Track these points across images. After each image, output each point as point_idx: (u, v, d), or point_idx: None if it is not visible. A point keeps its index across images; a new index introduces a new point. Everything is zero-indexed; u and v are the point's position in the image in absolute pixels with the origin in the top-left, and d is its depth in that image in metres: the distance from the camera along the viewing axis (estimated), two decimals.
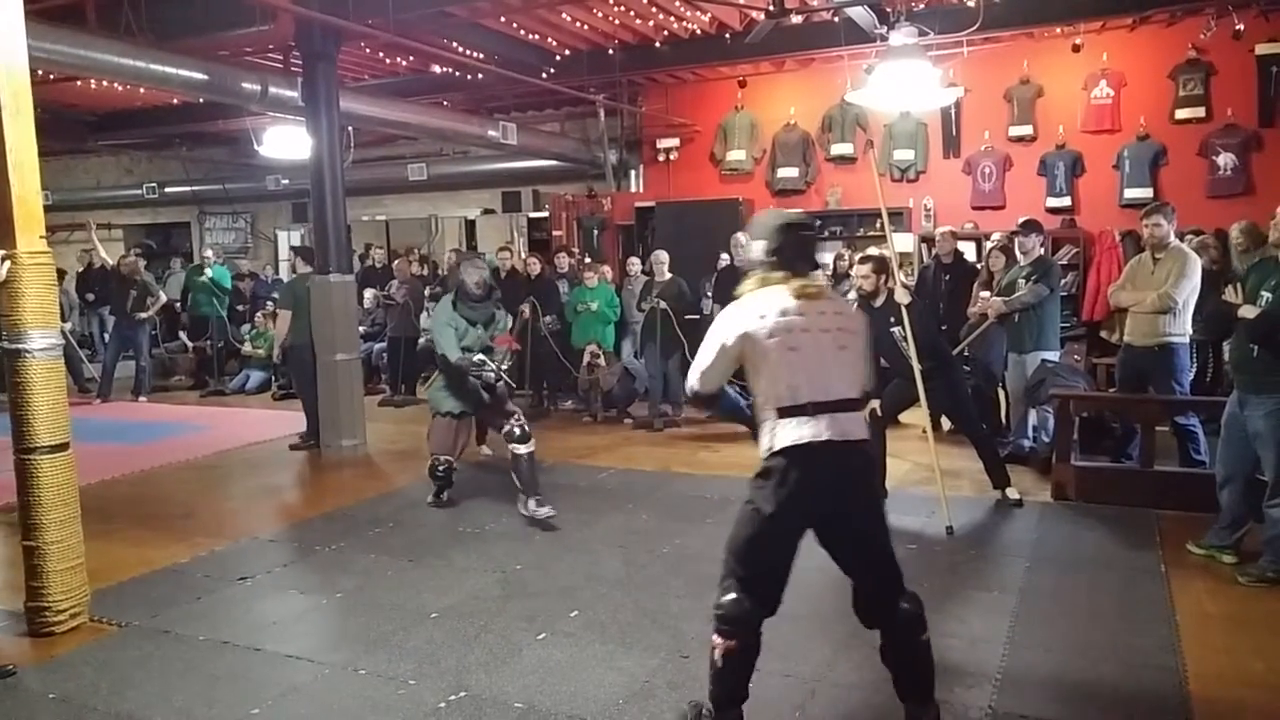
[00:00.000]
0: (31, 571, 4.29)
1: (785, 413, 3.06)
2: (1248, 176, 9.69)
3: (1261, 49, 9.50)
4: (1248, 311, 4.63)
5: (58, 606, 4.30)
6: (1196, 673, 3.68)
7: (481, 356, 6.11)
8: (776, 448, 3.06)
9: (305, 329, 8.26)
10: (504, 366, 6.25)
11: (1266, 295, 4.57)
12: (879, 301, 5.99)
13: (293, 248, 11.66)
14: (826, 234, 11.25)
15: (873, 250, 6.76)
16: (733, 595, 3.07)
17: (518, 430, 5.99)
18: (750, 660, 3.10)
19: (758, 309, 3.11)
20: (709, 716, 3.17)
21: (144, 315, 11.23)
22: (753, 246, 3.27)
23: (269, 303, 12.94)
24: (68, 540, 4.34)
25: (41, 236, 4.27)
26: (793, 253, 3.17)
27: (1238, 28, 9.11)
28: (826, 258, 10.13)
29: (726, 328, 3.15)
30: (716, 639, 3.08)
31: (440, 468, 6.18)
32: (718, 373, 3.23)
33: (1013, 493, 6.06)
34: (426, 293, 10.59)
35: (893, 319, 5.85)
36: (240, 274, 13.92)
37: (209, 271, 12.12)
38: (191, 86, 8.14)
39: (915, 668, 3.15)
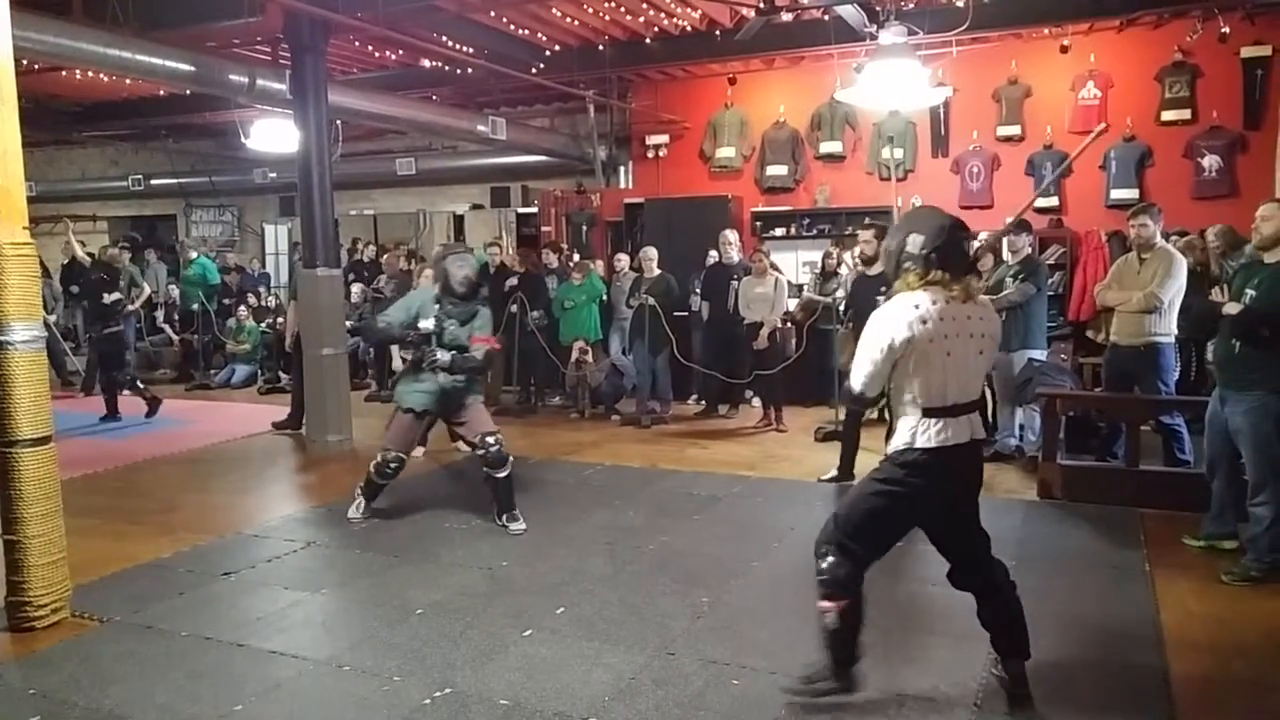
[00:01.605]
0: (12, 566, 4.25)
1: (933, 413, 3.17)
2: (1232, 178, 9.75)
3: (1247, 52, 9.56)
4: (1231, 308, 4.72)
5: (39, 601, 4.26)
6: (1180, 671, 3.70)
7: (437, 347, 5.68)
8: (921, 445, 3.18)
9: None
10: (469, 365, 5.70)
11: (1250, 293, 4.65)
12: (875, 269, 6.01)
13: (294, 243, 11.64)
14: (815, 231, 11.27)
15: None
16: (834, 558, 3.27)
17: (493, 454, 5.65)
18: (860, 619, 3.32)
19: (919, 311, 3.12)
20: (830, 680, 3.36)
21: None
22: (909, 241, 3.21)
23: (252, 296, 12.91)
24: (49, 534, 4.30)
25: (24, 228, 4.23)
26: (954, 254, 3.18)
27: (1223, 31, 9.16)
28: (814, 255, 10.17)
29: (891, 329, 3.14)
30: (826, 604, 3.27)
31: (392, 464, 5.77)
32: (883, 374, 3.22)
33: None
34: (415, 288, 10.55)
35: (883, 288, 5.81)
36: (227, 267, 13.87)
37: (194, 263, 12.07)
38: (178, 78, 8.09)
39: (1017, 622, 3.37)
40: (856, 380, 3.28)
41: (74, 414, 9.29)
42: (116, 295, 9.57)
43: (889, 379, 3.24)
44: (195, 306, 12.21)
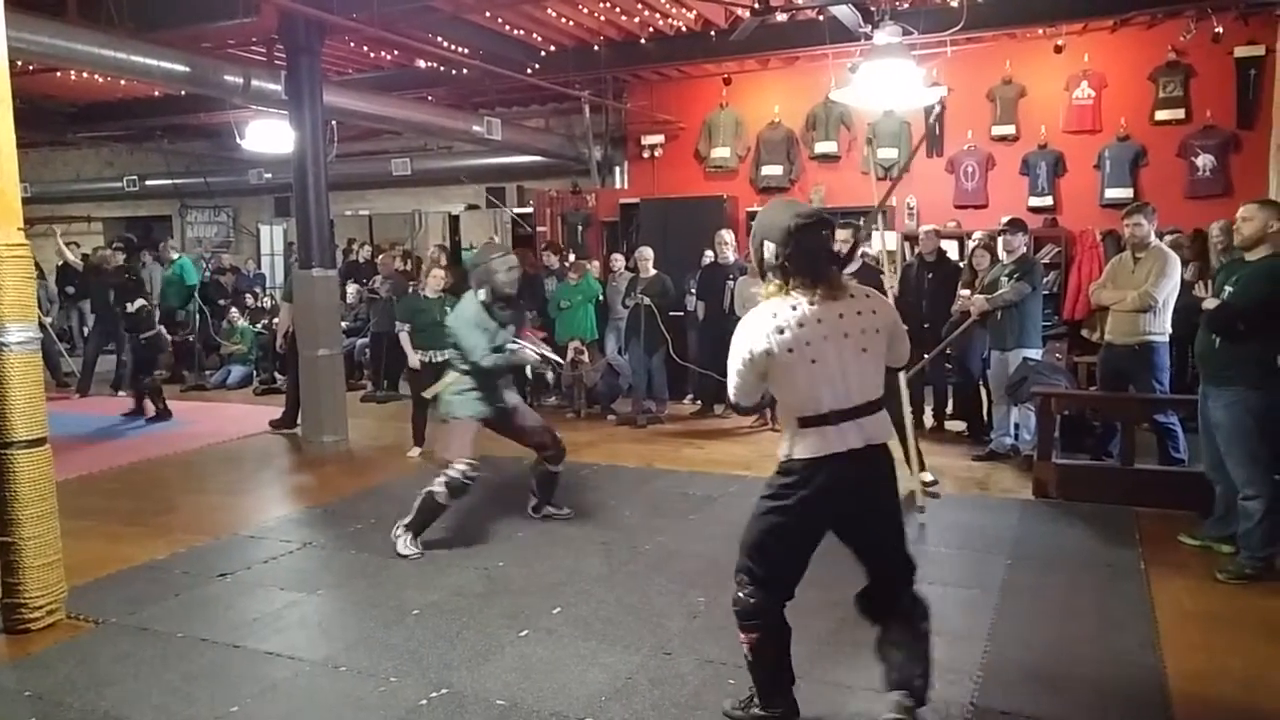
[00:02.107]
0: (7, 568, 4.24)
1: (807, 422, 3.00)
2: (1226, 178, 9.76)
3: (1240, 52, 9.57)
4: (1209, 303, 4.83)
5: (34, 603, 4.26)
6: (1175, 669, 3.71)
7: (513, 342, 5.46)
8: (798, 457, 3.02)
9: None
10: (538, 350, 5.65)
11: (1229, 289, 4.73)
12: (851, 268, 5.97)
13: (289, 243, 11.59)
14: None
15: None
16: (746, 591, 3.12)
17: (559, 452, 5.70)
18: (781, 645, 3.17)
19: (776, 321, 2.97)
20: (757, 708, 3.24)
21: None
22: (765, 249, 3.07)
23: (249, 297, 12.89)
24: (44, 536, 4.30)
25: (19, 229, 4.23)
26: (808, 256, 3.00)
27: (1217, 30, 9.18)
28: None
29: (747, 342, 3.02)
30: (740, 635, 3.15)
31: (470, 475, 5.17)
32: (752, 386, 3.11)
33: (927, 476, 6.11)
34: (410, 288, 10.53)
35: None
36: (222, 268, 13.84)
37: (174, 264, 12.04)
38: (173, 79, 8.07)
39: (920, 665, 3.11)
40: (731, 394, 3.21)
41: (69, 415, 9.27)
42: (141, 301, 9.51)
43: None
44: (175, 304, 12.21)
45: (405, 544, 5.18)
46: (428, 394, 5.87)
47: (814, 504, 3.01)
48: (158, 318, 10.14)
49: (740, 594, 3.13)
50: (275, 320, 10.91)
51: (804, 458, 3.00)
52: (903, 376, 5.52)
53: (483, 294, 5.34)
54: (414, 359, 7.62)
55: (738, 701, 3.35)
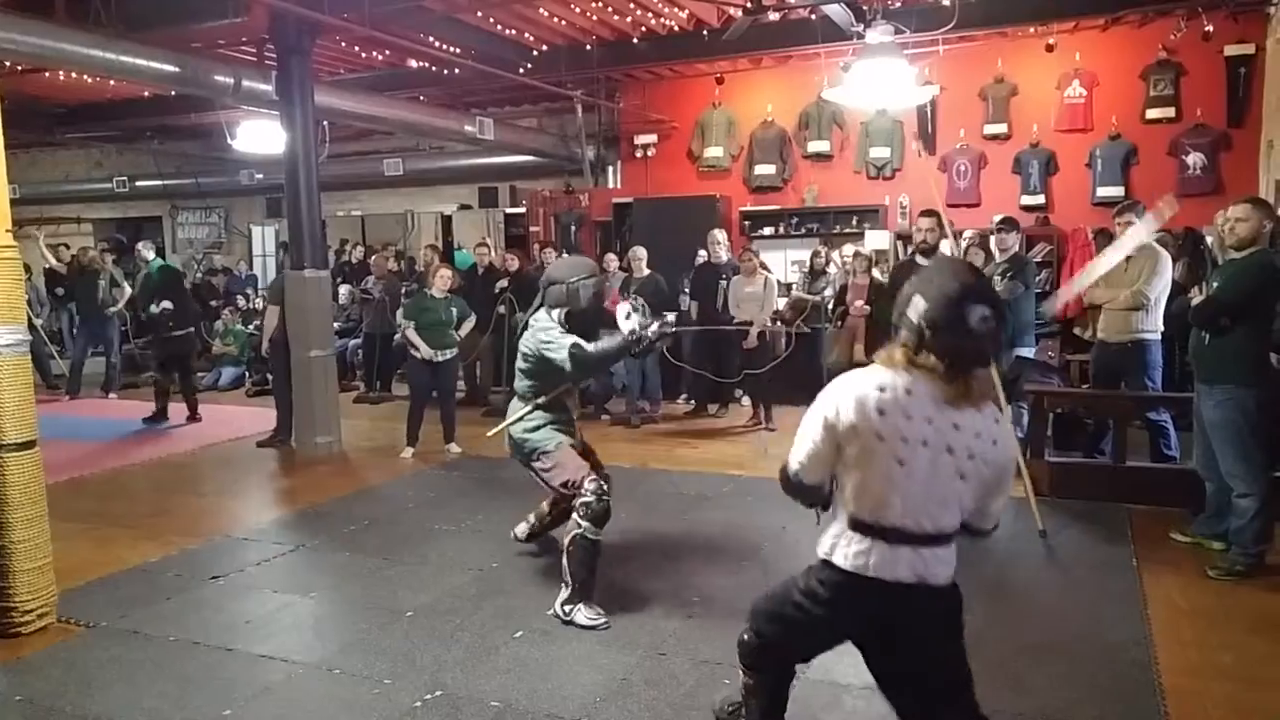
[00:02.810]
0: None
1: (860, 527, 2.51)
2: (1217, 176, 9.81)
3: (1230, 50, 9.62)
4: (1194, 299, 4.88)
5: (24, 607, 4.23)
6: (1168, 665, 3.72)
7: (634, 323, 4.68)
8: (836, 562, 2.56)
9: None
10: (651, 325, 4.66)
11: (1215, 284, 4.77)
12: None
13: (280, 244, 11.51)
14: (804, 231, 11.29)
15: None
16: (753, 643, 2.88)
17: (598, 502, 4.41)
18: (779, 686, 2.95)
19: (880, 395, 2.44)
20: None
21: (113, 309, 11.08)
22: (913, 301, 2.48)
23: (240, 298, 12.85)
24: (35, 539, 4.27)
25: (8, 230, 4.20)
26: (959, 345, 2.40)
27: (1207, 29, 9.21)
28: (803, 255, 10.18)
29: (834, 403, 2.50)
30: (751, 679, 2.95)
31: (606, 490, 4.42)
32: (821, 458, 2.56)
33: None
34: (404, 289, 10.52)
35: None
36: (214, 269, 13.79)
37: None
38: (163, 79, 8.03)
39: None
40: (794, 457, 2.65)
41: (60, 418, 9.23)
42: (166, 304, 9.41)
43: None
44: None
45: (585, 617, 4.27)
46: (490, 434, 5.00)
47: (838, 622, 2.64)
48: (189, 315, 9.95)
49: (746, 638, 2.89)
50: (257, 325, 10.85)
51: (844, 568, 2.53)
52: None
53: (557, 313, 4.63)
54: (426, 351, 7.60)
55: (726, 705, 3.26)
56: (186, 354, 9.75)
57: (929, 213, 6.37)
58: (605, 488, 4.41)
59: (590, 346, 4.46)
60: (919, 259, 6.02)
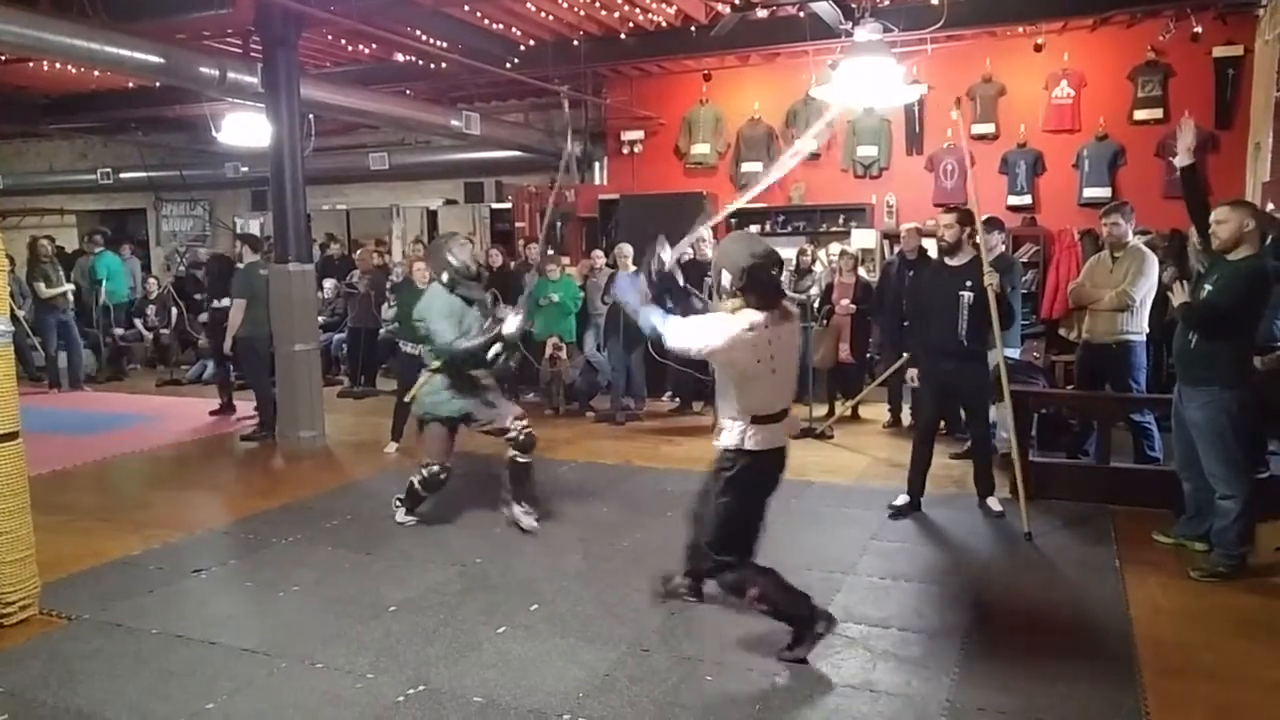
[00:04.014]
0: None
1: (760, 420, 3.65)
2: (1204, 178, 9.84)
3: (1218, 52, 9.66)
4: (1177, 297, 4.82)
5: (6, 599, 4.20)
6: (1150, 666, 3.74)
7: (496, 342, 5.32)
8: (750, 448, 3.65)
9: (259, 319, 8.17)
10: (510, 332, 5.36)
11: (1208, 287, 4.74)
12: (959, 259, 5.61)
13: (238, 235, 11.41)
14: (790, 229, 11.30)
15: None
16: (728, 572, 3.76)
17: (522, 436, 5.46)
18: (777, 577, 3.74)
19: (748, 327, 3.51)
20: (825, 624, 3.73)
21: (47, 295, 10.88)
22: (723, 274, 3.64)
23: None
24: (17, 531, 4.24)
25: None
26: (762, 289, 3.58)
27: (1195, 30, 9.27)
28: (789, 253, 10.18)
29: (730, 328, 3.52)
30: (746, 600, 3.71)
31: (441, 476, 5.52)
32: (717, 348, 3.55)
33: (994, 503, 5.79)
34: (389, 283, 10.48)
35: (969, 283, 5.46)
36: (198, 262, 13.68)
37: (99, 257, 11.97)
38: (147, 70, 7.97)
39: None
40: (684, 335, 3.63)
41: (43, 410, 9.17)
42: (227, 301, 9.27)
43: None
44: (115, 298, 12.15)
45: (401, 515, 5.71)
46: (407, 398, 5.91)
47: (765, 487, 3.78)
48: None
49: (726, 577, 3.75)
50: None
51: (756, 449, 3.65)
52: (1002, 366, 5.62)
53: (444, 277, 5.52)
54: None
55: (783, 648, 3.74)
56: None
57: (955, 209, 5.94)
58: (443, 476, 5.52)
59: (465, 345, 5.29)
60: (946, 260, 5.73)
